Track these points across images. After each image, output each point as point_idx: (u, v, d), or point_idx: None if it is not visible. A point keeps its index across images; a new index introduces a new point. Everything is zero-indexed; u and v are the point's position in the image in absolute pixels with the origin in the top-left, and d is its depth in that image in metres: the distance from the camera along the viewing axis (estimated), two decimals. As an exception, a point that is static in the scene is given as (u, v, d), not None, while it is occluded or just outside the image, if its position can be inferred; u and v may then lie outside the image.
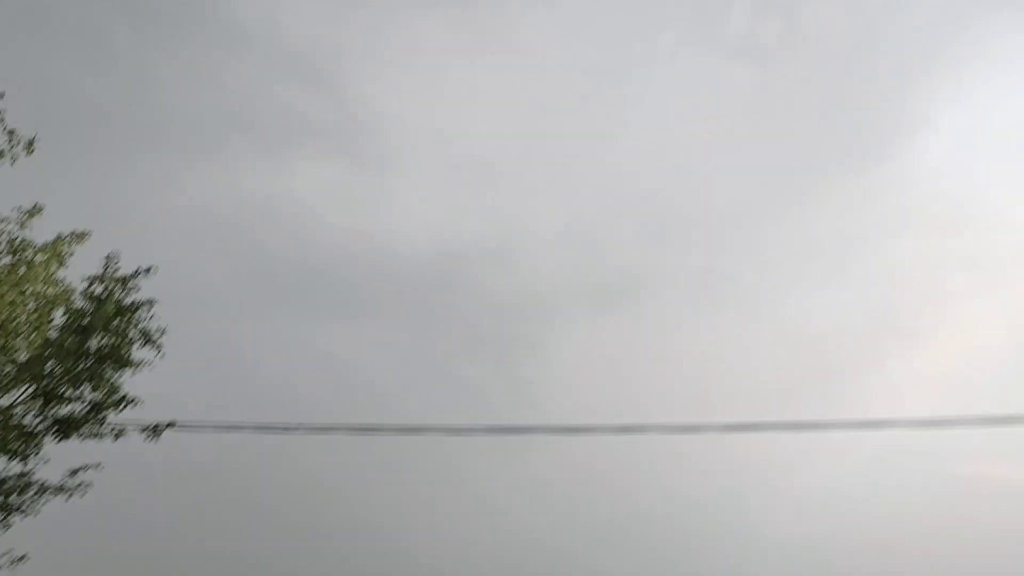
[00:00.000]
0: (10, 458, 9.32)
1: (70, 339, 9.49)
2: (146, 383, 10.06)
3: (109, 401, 9.66)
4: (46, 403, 9.54)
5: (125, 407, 9.75)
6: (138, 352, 9.95)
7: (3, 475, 9.29)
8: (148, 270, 10.08)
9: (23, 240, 9.22)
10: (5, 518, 9.18)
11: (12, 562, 8.92)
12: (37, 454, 9.48)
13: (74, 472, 9.59)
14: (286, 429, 11.00)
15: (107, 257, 9.95)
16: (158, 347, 10.08)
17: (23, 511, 9.32)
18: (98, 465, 9.73)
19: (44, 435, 9.56)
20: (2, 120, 9.00)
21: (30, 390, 9.52)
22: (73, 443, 9.57)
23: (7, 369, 9.19)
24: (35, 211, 9.48)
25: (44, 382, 9.48)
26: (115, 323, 9.74)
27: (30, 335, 9.22)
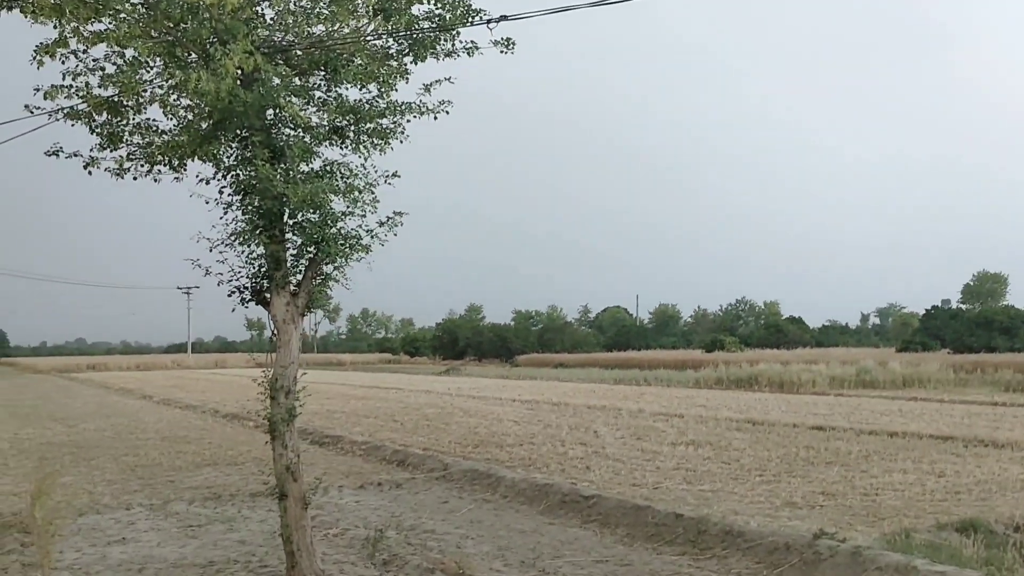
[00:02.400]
0: (379, 85, 9.14)
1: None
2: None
3: (454, 17, 8.92)
4: (387, 20, 8.96)
5: (467, 22, 9.02)
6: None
7: (370, 100, 9.22)
8: None
9: None
10: (385, 142, 9.37)
11: (387, 179, 9.23)
12: (399, 76, 9.22)
13: (427, 87, 9.32)
14: None
15: None
16: None
17: (394, 134, 9.41)
18: (449, 79, 9.39)
19: (401, 56, 9.19)
20: None
21: (370, 10, 8.90)
22: (431, 63, 9.18)
23: None
24: None
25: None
26: None
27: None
